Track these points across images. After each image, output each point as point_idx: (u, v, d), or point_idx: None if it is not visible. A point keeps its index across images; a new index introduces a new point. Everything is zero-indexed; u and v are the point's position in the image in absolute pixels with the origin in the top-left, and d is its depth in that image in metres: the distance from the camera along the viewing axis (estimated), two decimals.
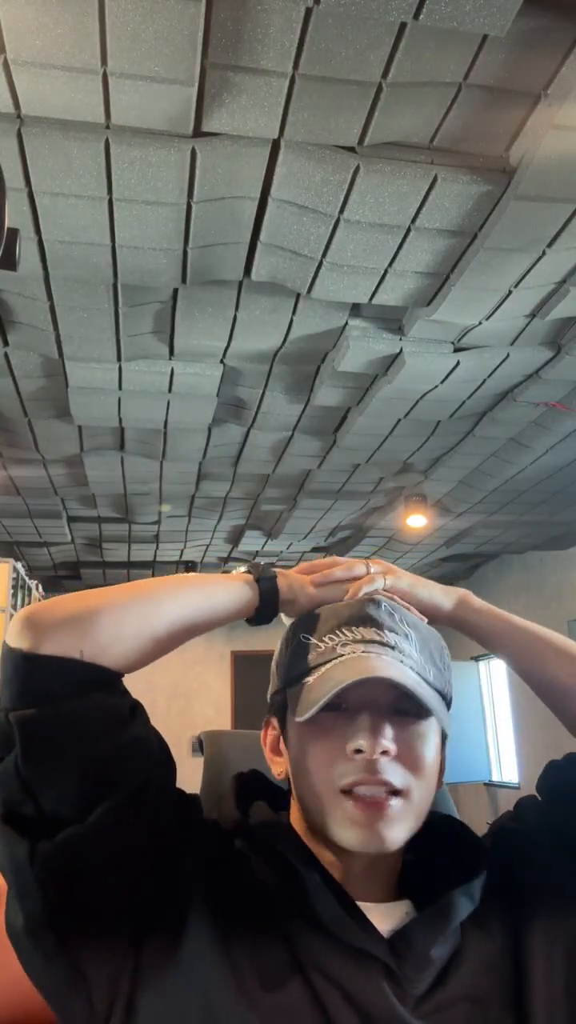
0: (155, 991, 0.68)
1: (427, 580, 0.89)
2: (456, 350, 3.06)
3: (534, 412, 3.65)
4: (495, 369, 3.22)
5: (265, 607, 0.84)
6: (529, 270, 2.45)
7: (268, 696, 0.86)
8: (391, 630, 0.79)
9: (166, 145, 1.95)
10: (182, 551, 6.50)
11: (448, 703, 0.82)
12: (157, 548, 6.38)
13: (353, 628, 0.79)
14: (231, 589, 0.83)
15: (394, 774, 0.73)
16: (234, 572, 0.87)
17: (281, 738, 0.83)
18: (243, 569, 0.87)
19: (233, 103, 1.84)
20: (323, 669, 0.76)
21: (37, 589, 5.87)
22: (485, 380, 3.32)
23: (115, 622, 0.74)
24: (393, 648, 0.77)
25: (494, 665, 7.56)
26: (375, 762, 0.72)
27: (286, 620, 0.87)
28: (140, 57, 1.70)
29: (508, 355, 3.11)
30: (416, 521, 5.13)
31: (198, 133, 1.94)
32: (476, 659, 7.57)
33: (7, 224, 1.37)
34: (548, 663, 0.85)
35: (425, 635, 0.82)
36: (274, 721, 0.85)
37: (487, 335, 2.93)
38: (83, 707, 0.71)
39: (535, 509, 5.22)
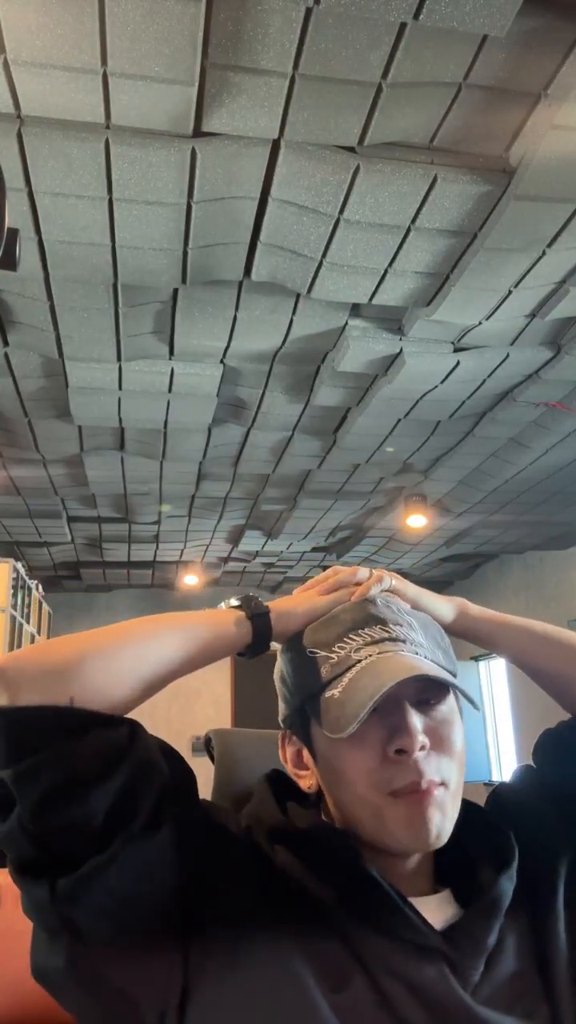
0: (209, 1001, 0.67)
1: (424, 589, 0.89)
2: (456, 350, 3.06)
3: (534, 412, 3.65)
4: (495, 369, 3.22)
5: (258, 643, 0.82)
6: (529, 270, 2.45)
7: (280, 716, 0.85)
8: (396, 623, 0.80)
9: (166, 145, 1.95)
10: (182, 551, 6.50)
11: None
12: (157, 548, 6.38)
13: (360, 632, 0.79)
14: (221, 629, 0.81)
15: (435, 768, 0.73)
16: (224, 606, 0.85)
17: (304, 752, 0.82)
18: (234, 603, 0.84)
19: (233, 103, 1.84)
20: (346, 679, 0.75)
21: (37, 589, 5.86)
22: (485, 380, 3.32)
23: (103, 668, 0.73)
24: (405, 641, 0.78)
25: (494, 665, 7.57)
26: (417, 761, 0.72)
27: (276, 647, 0.87)
28: (140, 57, 1.70)
29: (508, 355, 3.11)
30: (416, 521, 5.13)
31: (198, 133, 1.94)
32: (476, 659, 7.57)
33: (7, 224, 1.37)
34: (550, 658, 0.87)
35: (424, 621, 0.83)
36: (293, 737, 0.83)
37: (487, 335, 2.93)
38: (80, 751, 0.68)
39: (535, 509, 5.22)
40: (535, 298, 2.65)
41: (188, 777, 0.77)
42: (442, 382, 3.27)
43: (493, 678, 7.64)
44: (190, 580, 7.23)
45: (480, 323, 2.80)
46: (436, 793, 0.72)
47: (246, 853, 0.77)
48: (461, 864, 0.79)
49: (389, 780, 0.72)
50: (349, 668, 0.76)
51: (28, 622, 5.52)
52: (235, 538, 6.13)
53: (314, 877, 0.74)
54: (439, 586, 8.08)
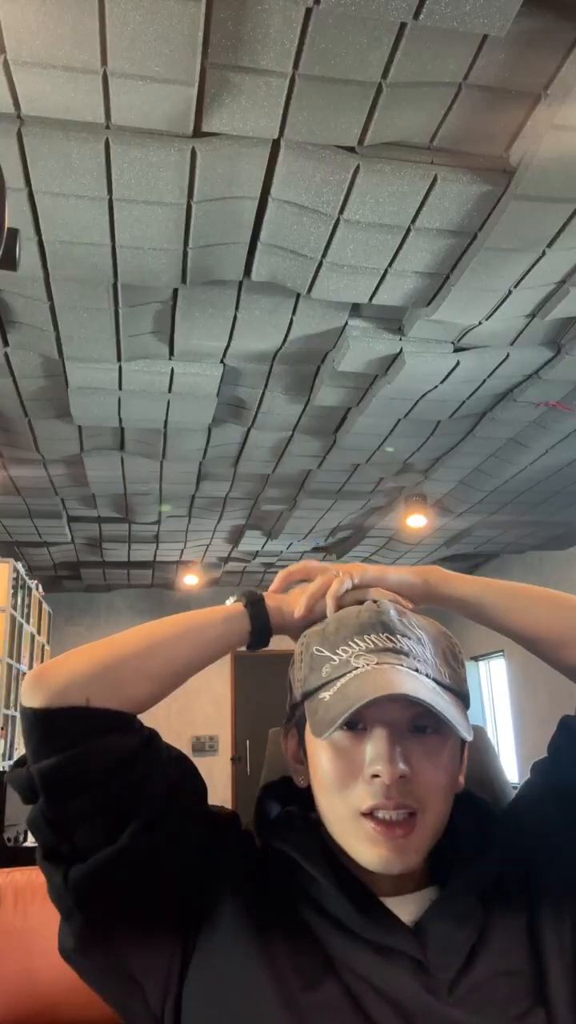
0: (198, 989, 0.73)
1: (391, 566, 0.89)
2: (456, 350, 3.06)
3: (534, 412, 3.65)
4: (495, 369, 3.22)
5: (258, 632, 0.85)
6: (529, 270, 2.45)
7: (287, 706, 0.87)
8: (403, 635, 0.79)
9: (166, 145, 1.95)
10: (182, 551, 6.50)
11: (466, 701, 0.81)
12: (157, 548, 6.38)
13: (365, 637, 0.78)
14: (224, 622, 0.85)
15: (412, 796, 0.72)
16: (227, 603, 0.88)
17: (300, 748, 0.84)
18: (234, 599, 0.88)
19: (233, 103, 1.84)
20: (339, 683, 0.75)
21: (37, 589, 5.86)
22: (485, 380, 3.32)
23: (123, 673, 0.79)
24: (407, 655, 0.77)
25: (494, 665, 7.57)
26: (392, 787, 0.71)
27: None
28: (140, 57, 1.70)
29: (508, 355, 3.11)
30: (416, 521, 5.13)
31: (198, 133, 1.94)
32: (476, 659, 7.57)
33: (7, 224, 1.37)
34: (532, 615, 0.86)
35: (435, 635, 0.82)
36: (294, 731, 0.85)
37: (487, 335, 2.93)
38: (97, 750, 0.74)
39: (535, 509, 5.22)
40: (535, 298, 2.65)
41: (199, 784, 0.82)
42: (442, 382, 3.27)
43: (493, 678, 7.65)
44: (190, 580, 7.23)
45: (480, 323, 2.80)
46: (410, 825, 0.72)
47: (244, 857, 0.81)
48: (455, 855, 0.79)
49: (360, 799, 0.73)
50: (346, 673, 0.76)
51: (28, 622, 5.51)
52: (235, 538, 6.13)
53: (297, 880, 0.77)
54: None
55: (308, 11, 1.61)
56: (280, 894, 0.77)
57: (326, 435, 4.02)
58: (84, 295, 2.62)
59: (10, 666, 4.88)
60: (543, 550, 6.42)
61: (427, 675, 0.76)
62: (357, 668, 0.75)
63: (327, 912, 0.74)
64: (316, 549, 6.56)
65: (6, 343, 2.98)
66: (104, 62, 1.71)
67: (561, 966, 0.72)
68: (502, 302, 2.64)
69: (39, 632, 6.03)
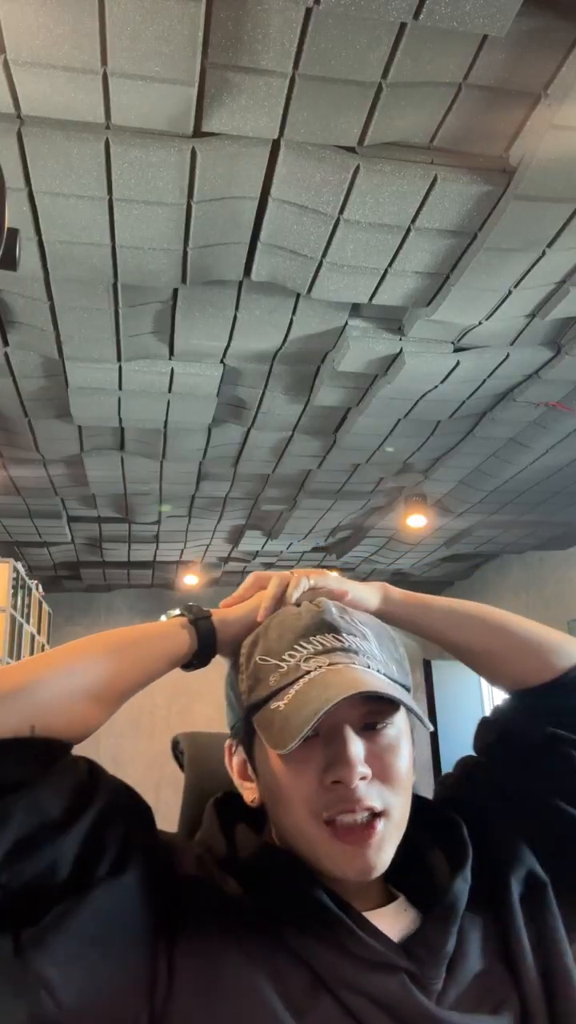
0: None
1: (348, 579, 0.88)
2: (456, 350, 3.06)
3: (534, 412, 3.65)
4: (495, 369, 3.22)
5: (204, 648, 0.81)
6: (529, 270, 2.45)
7: (228, 724, 0.83)
8: (349, 632, 0.77)
9: (166, 145, 1.95)
10: (182, 551, 6.50)
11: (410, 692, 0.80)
12: (157, 548, 6.38)
13: (311, 639, 0.76)
14: (167, 638, 0.80)
15: (374, 797, 0.71)
16: (165, 617, 0.84)
17: (248, 764, 0.80)
18: (176, 613, 0.84)
19: (233, 103, 1.84)
20: (292, 691, 0.72)
21: (37, 589, 5.86)
22: (485, 380, 3.32)
23: (53, 692, 0.72)
24: (357, 652, 0.75)
25: None
26: (355, 790, 0.69)
27: (223, 661, 0.85)
28: (140, 57, 1.70)
29: (508, 355, 3.11)
30: (416, 521, 5.12)
31: (198, 133, 1.94)
32: None
33: (7, 224, 1.37)
34: (471, 632, 0.87)
35: (378, 630, 0.81)
36: (239, 747, 0.81)
37: (487, 335, 2.93)
38: (45, 788, 0.67)
39: (535, 509, 5.22)
40: (535, 298, 2.65)
41: (147, 814, 0.76)
42: (442, 382, 3.27)
43: None
44: (190, 580, 7.23)
45: (480, 323, 2.80)
46: (377, 826, 0.70)
47: (203, 884, 0.74)
48: (414, 863, 0.78)
49: (325, 808, 0.70)
50: (298, 679, 0.72)
51: (28, 622, 5.52)
52: (235, 538, 6.12)
53: (267, 903, 0.72)
54: (439, 586, 8.08)
55: (308, 11, 1.61)
56: (254, 917, 0.71)
57: (326, 435, 4.02)
58: (84, 295, 2.62)
59: None
60: (543, 550, 6.42)
61: (378, 671, 0.74)
62: (310, 672, 0.72)
63: (315, 931, 0.70)
64: (316, 549, 6.56)
65: (6, 343, 2.98)
66: (104, 62, 1.71)
67: (530, 960, 0.73)
68: (502, 302, 2.64)
69: (39, 632, 6.03)
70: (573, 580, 6.11)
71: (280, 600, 0.83)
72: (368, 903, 0.75)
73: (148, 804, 0.76)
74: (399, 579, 7.42)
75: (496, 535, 5.97)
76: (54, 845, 0.66)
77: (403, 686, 0.77)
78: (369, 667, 0.74)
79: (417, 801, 0.81)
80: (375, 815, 0.71)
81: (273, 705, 0.73)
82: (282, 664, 0.75)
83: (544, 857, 0.81)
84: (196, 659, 0.82)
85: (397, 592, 0.89)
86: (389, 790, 0.72)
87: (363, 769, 0.70)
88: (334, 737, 0.71)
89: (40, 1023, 0.62)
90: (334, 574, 0.87)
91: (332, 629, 0.77)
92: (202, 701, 8.05)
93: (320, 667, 0.72)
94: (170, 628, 0.81)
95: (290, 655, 0.75)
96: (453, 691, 7.60)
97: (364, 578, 7.20)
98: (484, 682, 6.48)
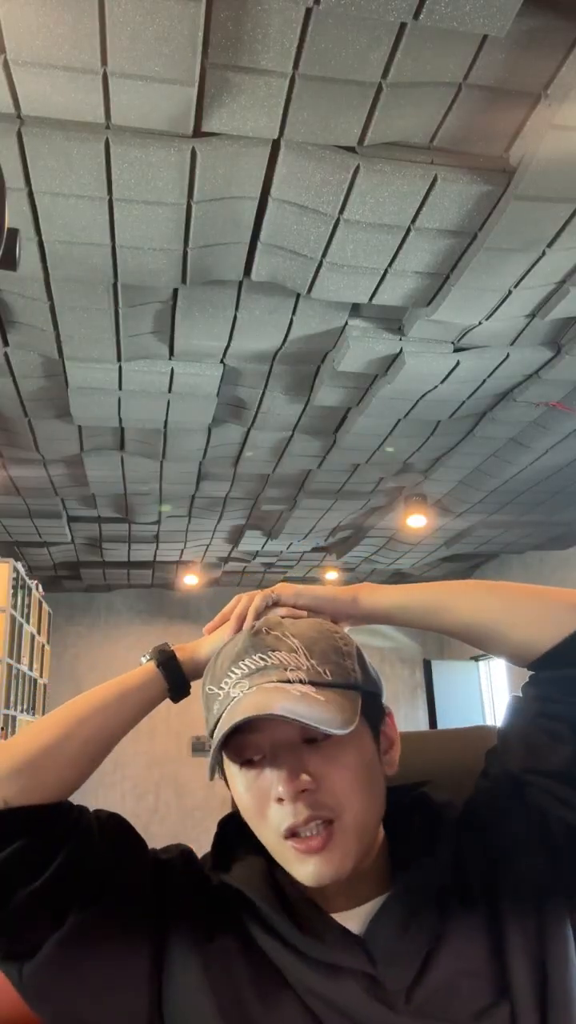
0: None
1: (319, 587, 0.89)
2: (456, 350, 3.06)
3: (534, 412, 3.65)
4: (495, 369, 3.22)
5: (176, 686, 0.86)
6: (529, 270, 2.45)
7: None
8: (273, 649, 0.77)
9: (166, 145, 1.95)
10: (182, 551, 6.50)
11: (366, 689, 0.79)
12: (157, 548, 6.38)
13: (240, 663, 0.78)
14: (139, 688, 0.85)
15: (321, 806, 0.72)
16: (144, 661, 0.89)
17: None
18: (146, 658, 0.89)
19: (233, 103, 1.84)
20: (221, 720, 0.75)
21: (37, 589, 5.86)
22: (485, 380, 3.32)
23: (43, 764, 0.78)
24: (278, 667, 0.76)
25: (494, 665, 7.56)
26: (298, 804, 0.72)
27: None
28: (140, 57, 1.70)
29: (508, 355, 3.11)
30: (416, 521, 5.13)
31: (198, 133, 1.94)
32: (476, 659, 7.58)
33: (7, 224, 1.37)
34: (456, 610, 0.85)
35: (313, 637, 0.80)
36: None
37: (487, 335, 2.93)
38: (26, 849, 0.74)
39: (535, 509, 5.22)
40: (535, 298, 2.65)
41: (135, 841, 0.82)
42: (442, 382, 3.27)
43: (493, 678, 7.64)
44: (190, 580, 7.23)
45: (480, 323, 2.80)
46: (328, 834, 0.72)
47: (196, 894, 0.80)
48: (411, 857, 0.79)
49: (277, 823, 0.73)
50: (227, 706, 0.75)
51: (28, 622, 5.52)
52: (235, 538, 6.12)
53: (249, 906, 0.77)
54: None
55: (308, 11, 1.61)
56: (236, 922, 0.77)
57: (326, 435, 4.02)
58: (84, 295, 2.62)
59: (10, 666, 4.88)
60: (543, 550, 6.42)
61: (301, 681, 0.74)
62: (234, 698, 0.75)
63: (278, 936, 0.74)
64: (316, 549, 6.56)
65: (6, 343, 2.98)
66: (104, 62, 1.71)
67: (525, 964, 0.72)
68: (502, 302, 2.64)
69: (39, 632, 6.03)
70: (573, 580, 6.11)
71: (241, 618, 0.86)
72: (350, 901, 0.76)
73: (138, 834, 0.83)
74: (399, 579, 7.41)
75: (496, 535, 5.97)
76: (35, 891, 0.73)
77: (342, 686, 0.76)
78: (289, 681, 0.74)
79: (422, 798, 0.82)
80: (328, 823, 0.73)
81: (216, 732, 0.76)
82: (220, 692, 0.78)
83: (550, 852, 0.78)
84: (173, 695, 0.88)
85: (377, 588, 0.89)
86: (339, 797, 0.73)
87: (302, 781, 0.72)
88: (276, 755, 0.74)
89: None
90: (297, 588, 0.88)
91: (258, 649, 0.78)
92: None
93: (242, 692, 0.75)
94: (144, 676, 0.86)
95: (225, 682, 0.78)
96: (453, 691, 7.60)
97: (364, 578, 7.20)
98: (484, 682, 6.49)
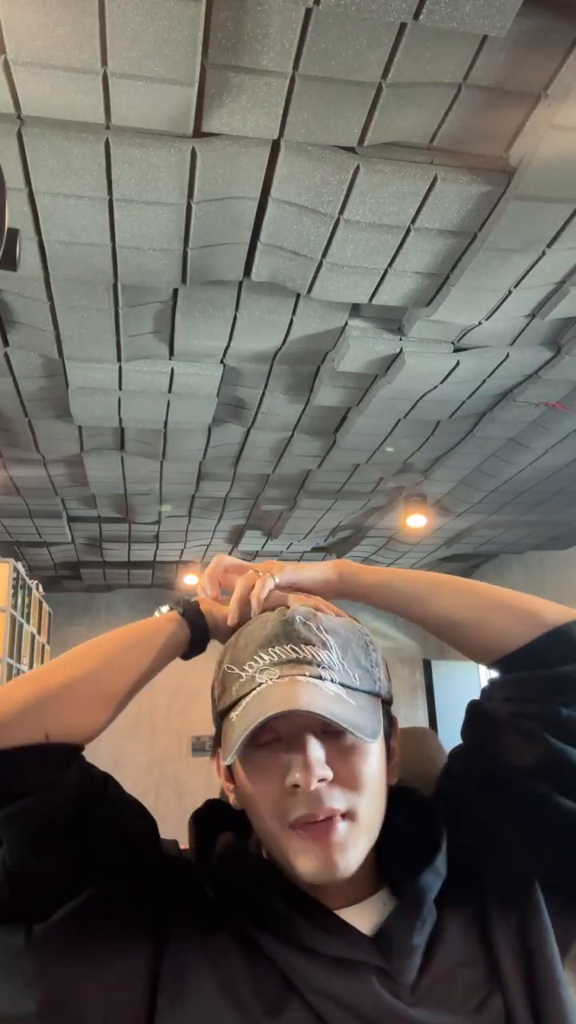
0: None
1: (304, 563, 0.90)
2: (456, 350, 3.06)
3: (534, 412, 3.65)
4: (495, 369, 3.22)
5: (196, 637, 0.86)
6: (529, 270, 2.45)
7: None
8: (307, 642, 0.77)
9: (166, 145, 1.95)
10: (182, 551, 6.50)
11: (384, 699, 0.81)
12: (157, 548, 6.38)
13: (270, 649, 0.77)
14: (162, 633, 0.85)
15: (336, 799, 0.72)
16: (157, 614, 0.89)
17: (229, 769, 0.82)
18: (166, 609, 0.89)
19: (233, 103, 1.84)
20: (244, 703, 0.74)
21: (37, 589, 5.86)
22: (485, 380, 3.32)
23: (79, 696, 0.77)
24: (311, 663, 0.75)
25: None
26: (315, 793, 0.71)
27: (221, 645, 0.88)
28: (140, 57, 1.70)
29: (508, 355, 3.11)
30: (416, 521, 5.13)
31: (198, 133, 1.94)
32: None
33: (7, 224, 1.37)
34: (435, 600, 0.87)
35: (346, 637, 0.80)
36: (220, 751, 0.83)
37: (487, 335, 2.93)
38: (66, 790, 0.72)
39: (535, 509, 5.22)
40: (535, 298, 2.65)
41: (152, 828, 0.81)
42: (442, 382, 3.27)
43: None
44: (190, 580, 7.23)
45: (480, 323, 2.80)
46: (339, 826, 0.71)
47: (194, 893, 0.78)
48: (401, 855, 0.79)
49: (286, 811, 0.72)
50: (252, 690, 0.75)
51: (28, 622, 5.52)
52: (235, 538, 6.13)
53: (239, 908, 0.75)
54: None
55: (308, 11, 1.61)
56: (234, 922, 0.75)
57: (326, 435, 4.02)
58: (84, 295, 2.62)
59: (10, 666, 4.88)
60: (543, 550, 6.42)
61: (332, 680, 0.74)
62: (261, 684, 0.74)
63: (283, 933, 0.72)
64: (316, 549, 6.56)
65: (6, 343, 2.98)
66: (104, 62, 1.71)
67: (511, 953, 0.73)
68: (502, 302, 2.64)
69: (39, 632, 6.03)
70: (573, 580, 6.11)
71: (244, 601, 0.86)
72: (347, 899, 0.76)
73: (153, 819, 0.81)
74: None
75: (496, 535, 5.97)
76: (64, 841, 0.71)
77: (368, 692, 0.77)
78: (321, 677, 0.74)
79: (404, 792, 0.82)
80: (342, 816, 0.72)
81: (232, 715, 0.76)
82: (242, 674, 0.77)
83: (529, 845, 0.80)
84: (192, 647, 0.87)
85: (358, 567, 0.90)
86: (353, 793, 0.73)
87: (322, 772, 0.71)
88: (294, 742, 0.73)
89: (48, 1011, 0.68)
90: (290, 565, 0.89)
91: (291, 640, 0.77)
92: (202, 701, 8.04)
93: (271, 680, 0.74)
94: (166, 623, 0.86)
95: (250, 665, 0.77)
96: (453, 691, 7.60)
97: None
98: (484, 682, 6.53)
